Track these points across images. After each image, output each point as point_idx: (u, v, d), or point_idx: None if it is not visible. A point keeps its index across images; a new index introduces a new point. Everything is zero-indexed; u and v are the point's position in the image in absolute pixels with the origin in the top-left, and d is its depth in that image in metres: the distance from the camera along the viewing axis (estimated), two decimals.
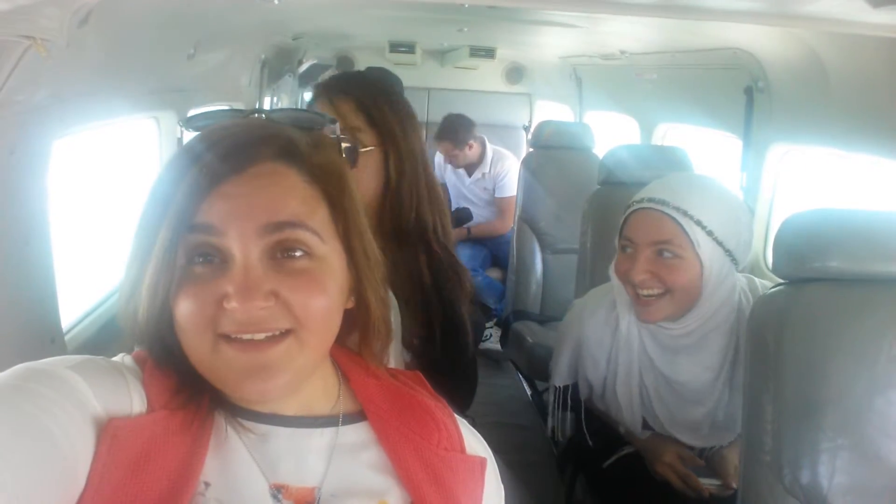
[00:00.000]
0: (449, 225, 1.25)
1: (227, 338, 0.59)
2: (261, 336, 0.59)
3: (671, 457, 1.49)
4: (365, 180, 1.15)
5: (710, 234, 1.34)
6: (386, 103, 1.18)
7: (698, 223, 1.34)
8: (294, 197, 0.62)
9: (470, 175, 4.03)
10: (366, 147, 1.16)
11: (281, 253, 0.60)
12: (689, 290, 1.37)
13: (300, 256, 0.61)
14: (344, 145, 0.75)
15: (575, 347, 1.62)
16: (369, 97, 1.17)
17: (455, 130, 3.90)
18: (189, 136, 0.66)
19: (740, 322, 1.42)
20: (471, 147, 3.94)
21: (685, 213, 1.34)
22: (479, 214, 3.98)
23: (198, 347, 0.59)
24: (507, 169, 3.96)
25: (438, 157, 4.12)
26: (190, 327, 0.59)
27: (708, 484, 1.46)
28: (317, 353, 0.64)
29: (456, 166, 4.02)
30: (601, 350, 1.57)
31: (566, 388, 1.66)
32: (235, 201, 0.59)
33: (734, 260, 1.39)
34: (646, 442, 1.56)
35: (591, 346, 1.58)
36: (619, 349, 1.53)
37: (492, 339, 3.60)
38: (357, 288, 0.68)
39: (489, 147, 4.02)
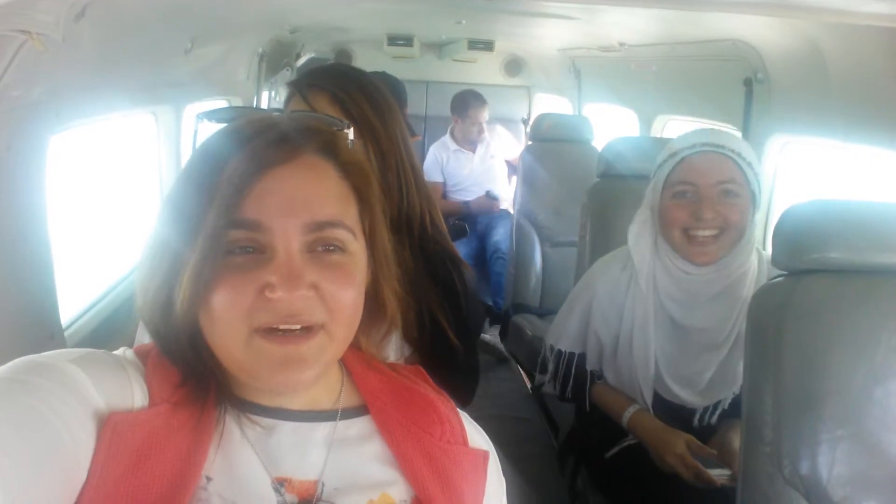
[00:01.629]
0: (439, 215, 1.23)
1: (260, 332, 0.59)
2: (297, 328, 0.60)
3: (682, 448, 1.46)
4: None
5: (755, 175, 1.46)
6: (361, 93, 1.13)
7: (749, 165, 1.45)
8: (333, 194, 0.64)
9: (475, 152, 3.97)
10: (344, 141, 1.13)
11: (319, 247, 0.62)
12: (740, 229, 1.46)
13: (334, 251, 0.63)
14: None
15: (585, 310, 1.64)
16: (343, 89, 1.12)
17: (482, 98, 3.90)
18: (204, 129, 0.67)
19: (760, 275, 1.50)
20: None
21: (739, 155, 1.45)
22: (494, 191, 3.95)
23: (231, 338, 0.60)
24: (497, 128, 4.16)
25: (431, 156, 4.01)
26: (225, 317, 0.59)
27: (718, 474, 1.42)
28: (341, 347, 0.66)
29: (480, 133, 3.93)
30: (614, 305, 1.60)
31: (571, 355, 1.67)
32: (281, 197, 0.60)
33: (758, 204, 1.50)
34: (653, 433, 1.53)
35: (604, 301, 1.61)
36: (635, 302, 1.57)
37: None
38: (374, 283, 0.69)
39: None
